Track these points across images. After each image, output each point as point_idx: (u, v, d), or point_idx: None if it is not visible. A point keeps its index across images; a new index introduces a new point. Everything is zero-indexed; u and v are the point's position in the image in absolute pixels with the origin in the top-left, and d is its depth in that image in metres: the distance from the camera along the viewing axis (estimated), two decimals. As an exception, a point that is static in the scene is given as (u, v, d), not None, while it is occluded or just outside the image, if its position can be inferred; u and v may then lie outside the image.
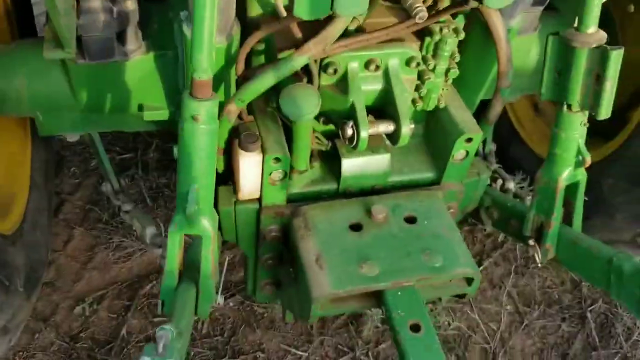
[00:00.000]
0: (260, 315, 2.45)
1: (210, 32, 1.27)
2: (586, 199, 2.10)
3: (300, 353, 2.35)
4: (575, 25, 1.58)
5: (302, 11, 1.25)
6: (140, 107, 1.91)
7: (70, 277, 2.50)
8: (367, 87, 1.67)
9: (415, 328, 1.51)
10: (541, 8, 1.90)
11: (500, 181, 2.26)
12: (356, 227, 1.70)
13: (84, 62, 1.78)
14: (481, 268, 2.66)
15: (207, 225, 1.46)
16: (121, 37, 1.79)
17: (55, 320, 2.37)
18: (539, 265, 1.87)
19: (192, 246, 1.60)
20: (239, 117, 1.68)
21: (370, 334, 2.42)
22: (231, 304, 2.46)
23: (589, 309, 2.55)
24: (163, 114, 1.92)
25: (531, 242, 1.85)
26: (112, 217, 2.70)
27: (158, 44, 1.85)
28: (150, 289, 2.48)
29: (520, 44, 1.89)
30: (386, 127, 1.66)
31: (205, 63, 1.29)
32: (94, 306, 2.41)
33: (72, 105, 1.88)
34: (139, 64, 1.82)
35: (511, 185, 2.20)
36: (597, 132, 2.13)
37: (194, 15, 1.25)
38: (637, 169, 2.14)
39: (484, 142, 2.40)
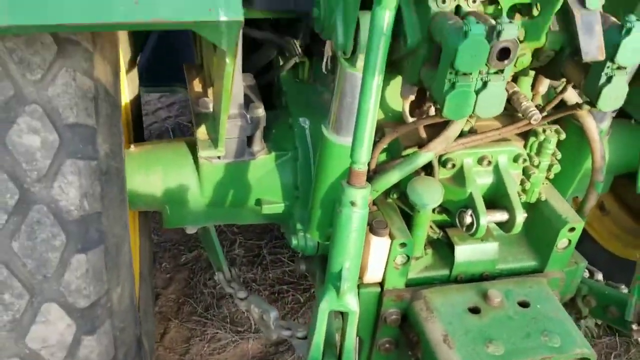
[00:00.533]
0: (354, 407, 2.48)
1: (371, 131, 1.47)
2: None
3: None
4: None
5: (450, 113, 1.48)
6: (258, 202, 2.12)
7: (170, 368, 2.59)
8: (480, 181, 1.87)
9: (547, 403, 1.59)
10: (613, 114, 2.13)
11: (587, 273, 2.38)
12: (474, 310, 1.83)
13: (219, 162, 2.03)
14: (564, 363, 2.70)
15: (353, 302, 1.59)
16: (249, 139, 2.04)
17: (159, 409, 2.43)
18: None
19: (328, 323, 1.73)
20: (366, 207, 1.87)
21: None
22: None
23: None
24: (279, 208, 2.12)
25: (634, 326, 1.94)
26: (205, 309, 2.83)
27: (278, 145, 2.10)
28: (247, 379, 2.55)
29: None
30: (501, 215, 1.83)
31: (364, 156, 1.50)
32: (195, 396, 2.48)
33: (198, 199, 2.09)
34: (261, 163, 2.06)
35: (600, 276, 2.32)
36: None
37: (357, 117, 1.47)
38: None
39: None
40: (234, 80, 1.83)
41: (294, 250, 3.04)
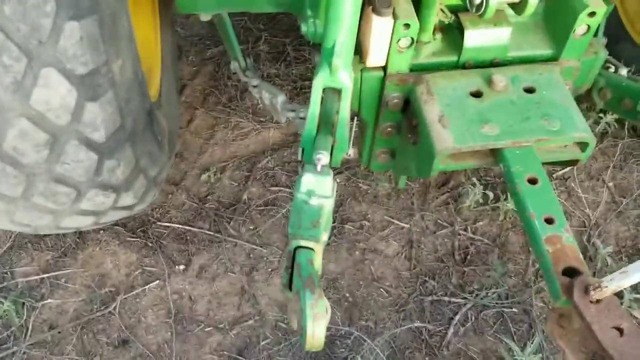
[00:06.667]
0: (365, 191, 2.65)
1: None
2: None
3: (403, 224, 2.54)
4: None
5: None
6: (269, -14, 2.05)
7: (196, 150, 2.77)
8: (496, -41, 1.73)
9: (533, 181, 1.64)
10: None
11: (612, 69, 2.28)
12: (477, 94, 1.82)
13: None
14: (580, 161, 2.72)
15: (346, 79, 1.61)
16: None
17: (185, 184, 2.66)
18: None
19: (325, 103, 1.77)
20: (370, -14, 1.79)
21: (469, 213, 2.57)
22: (338, 180, 2.67)
23: (689, 202, 2.59)
24: None
25: (645, 115, 1.90)
26: (229, 100, 2.93)
27: None
28: (266, 163, 2.72)
29: None
30: (514, -5, 1.72)
31: None
32: (218, 175, 2.68)
33: None
34: None
35: (624, 72, 2.21)
36: None
37: None
38: None
39: (596, 33, 2.40)
40: None
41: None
